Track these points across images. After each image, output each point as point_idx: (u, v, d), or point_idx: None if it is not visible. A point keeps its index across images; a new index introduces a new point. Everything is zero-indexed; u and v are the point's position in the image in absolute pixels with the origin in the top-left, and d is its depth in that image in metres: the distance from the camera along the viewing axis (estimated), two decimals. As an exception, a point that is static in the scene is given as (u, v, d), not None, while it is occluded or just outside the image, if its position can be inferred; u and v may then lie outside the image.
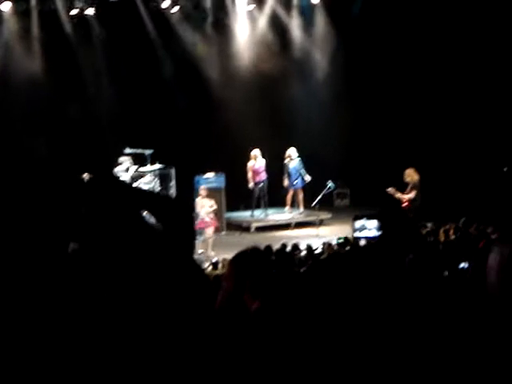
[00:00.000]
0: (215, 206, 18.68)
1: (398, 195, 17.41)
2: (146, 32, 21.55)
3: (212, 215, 18.49)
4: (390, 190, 17.52)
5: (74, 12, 21.27)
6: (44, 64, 20.58)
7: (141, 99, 21.35)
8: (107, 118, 21.13)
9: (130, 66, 21.31)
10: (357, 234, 13.03)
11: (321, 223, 20.19)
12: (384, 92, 22.19)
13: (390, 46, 21.73)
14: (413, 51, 21.43)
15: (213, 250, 17.82)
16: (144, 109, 21.28)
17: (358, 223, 13.68)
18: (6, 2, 20.24)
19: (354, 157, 22.64)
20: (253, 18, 23.09)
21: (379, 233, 6.16)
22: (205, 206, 18.36)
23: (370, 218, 13.07)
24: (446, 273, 7.95)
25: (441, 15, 20.80)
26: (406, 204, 17.32)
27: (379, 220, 5.99)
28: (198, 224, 18.20)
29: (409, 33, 21.24)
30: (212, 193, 20.22)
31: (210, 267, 13.13)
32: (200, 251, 17.45)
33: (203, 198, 18.47)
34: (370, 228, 12.64)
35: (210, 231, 18.38)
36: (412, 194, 17.43)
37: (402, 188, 17.52)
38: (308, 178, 20.81)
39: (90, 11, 21.40)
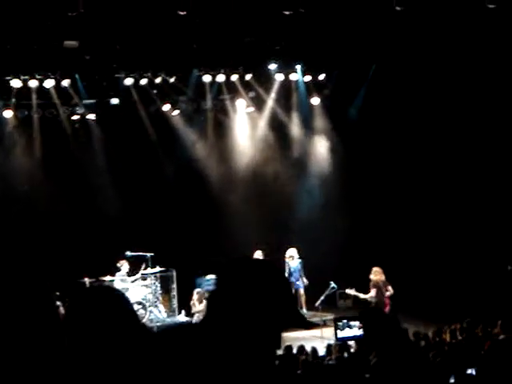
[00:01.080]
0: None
1: (358, 295, 18.02)
2: (147, 134, 21.72)
3: None
4: (349, 290, 18.29)
5: (75, 117, 21.49)
6: (45, 166, 20.71)
7: (141, 201, 21.42)
8: (108, 221, 21.14)
9: (131, 167, 21.47)
10: (340, 334, 12.86)
11: (324, 324, 19.94)
12: (383, 192, 22.26)
13: (388, 149, 21.91)
14: (409, 155, 21.63)
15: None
16: (144, 211, 21.32)
17: (341, 324, 13.55)
18: (7, 110, 20.47)
19: (355, 256, 22.52)
20: (253, 120, 23.33)
21: (361, 332, 6.09)
22: (198, 311, 18.24)
23: (351, 319, 12.94)
24: (452, 380, 7.83)
25: (436, 115, 21.02)
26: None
27: (360, 320, 5.94)
28: None
29: (405, 136, 21.46)
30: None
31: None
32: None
33: (198, 301, 18.30)
34: (352, 327, 12.51)
35: None
36: (372, 293, 17.83)
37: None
38: (305, 281, 20.78)
39: (91, 116, 21.63)
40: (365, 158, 22.41)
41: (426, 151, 21.56)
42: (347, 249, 22.08)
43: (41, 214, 20.50)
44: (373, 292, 17.88)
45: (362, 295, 18.01)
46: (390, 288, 18.14)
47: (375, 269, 18.32)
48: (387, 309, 18.12)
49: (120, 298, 2.96)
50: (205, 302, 18.43)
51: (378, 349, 5.90)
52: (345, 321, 12.75)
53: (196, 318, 18.24)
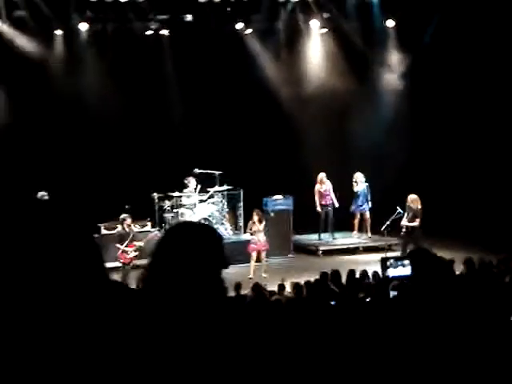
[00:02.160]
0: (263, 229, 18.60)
1: (408, 224, 18.31)
2: (218, 52, 21.60)
3: (265, 238, 18.49)
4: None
5: (148, 32, 21.53)
6: (117, 81, 20.80)
7: (211, 120, 21.49)
8: (177, 138, 21.30)
9: (202, 84, 21.43)
10: (392, 273, 12.74)
11: (389, 248, 19.95)
12: (451, 118, 21.98)
13: (460, 76, 21.48)
14: (481, 82, 21.20)
15: (265, 274, 17.83)
16: (214, 129, 21.40)
17: (390, 262, 13.35)
18: (82, 23, 20.62)
19: (423, 183, 22.38)
20: (326, 41, 23.05)
21: (411, 273, 6.10)
22: (258, 230, 18.35)
23: (398, 259, 12.80)
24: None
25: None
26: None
27: (411, 260, 5.92)
28: (250, 248, 18.28)
29: (478, 63, 21.01)
30: (280, 215, 20.27)
31: (276, 290, 13.04)
32: (251, 276, 17.41)
33: (256, 221, 18.40)
34: (405, 265, 12.32)
35: (263, 255, 18.41)
36: (417, 222, 18.26)
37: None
38: (370, 205, 20.78)
39: (165, 32, 21.64)
40: (435, 85, 22.04)
41: (493, 86, 21.08)
42: (415, 174, 21.93)
43: (111, 129, 20.72)
44: (416, 222, 18.28)
45: (405, 223, 18.36)
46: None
47: (415, 197, 18.58)
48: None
49: (215, 235, 3.05)
50: (264, 222, 18.58)
51: (427, 288, 5.92)
52: (392, 260, 12.65)
53: (255, 237, 18.35)
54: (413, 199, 18.57)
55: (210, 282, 2.86)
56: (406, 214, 18.46)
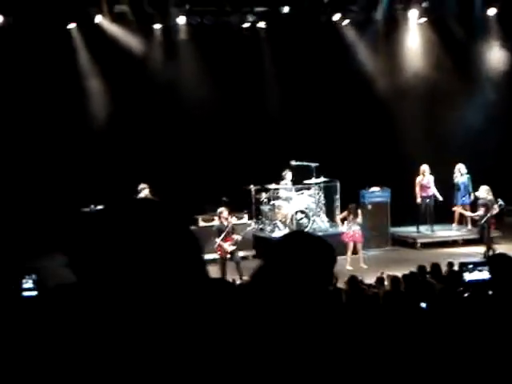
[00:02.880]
0: (360, 222, 18.49)
1: (465, 213, 19.34)
2: (316, 43, 21.50)
3: (360, 230, 18.39)
4: (455, 208, 19.65)
5: (245, 25, 21.62)
6: (214, 75, 20.95)
7: (308, 112, 21.43)
8: (274, 131, 21.33)
9: (299, 76, 21.40)
10: (469, 277, 12.40)
11: (490, 241, 19.54)
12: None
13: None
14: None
15: (365, 264, 17.75)
16: (311, 121, 21.34)
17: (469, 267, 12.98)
18: (181, 16, 20.84)
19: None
20: (425, 31, 22.69)
21: (489, 276, 5.92)
22: (353, 222, 18.26)
23: (478, 264, 12.43)
24: None
25: None
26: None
27: (489, 265, 5.78)
28: (344, 238, 18.23)
29: None
30: (377, 207, 20.12)
31: (375, 283, 12.93)
32: (348, 267, 17.36)
33: (352, 214, 18.32)
34: (482, 270, 11.94)
35: (359, 246, 18.31)
36: (480, 212, 18.28)
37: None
38: (473, 196, 20.29)
39: (262, 24, 21.71)
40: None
41: None
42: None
43: (209, 122, 20.89)
44: (481, 211, 18.27)
45: (468, 213, 19.22)
46: (495, 207, 18.39)
47: (484, 187, 18.54)
48: (493, 228, 18.91)
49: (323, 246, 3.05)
50: (360, 215, 18.46)
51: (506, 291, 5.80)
52: (471, 266, 12.34)
53: (351, 228, 18.27)
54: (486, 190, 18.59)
55: (315, 295, 2.86)
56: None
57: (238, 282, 14.97)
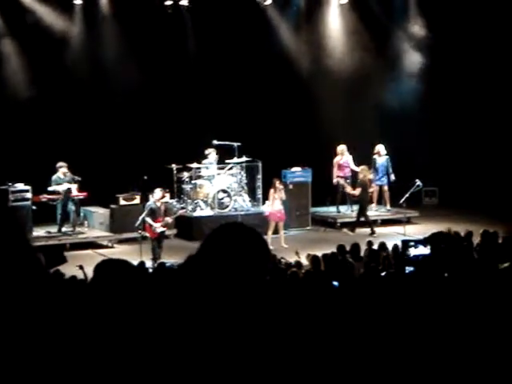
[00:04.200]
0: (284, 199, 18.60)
1: (347, 189, 20.05)
2: (238, 23, 21.44)
3: (282, 209, 18.47)
4: (342, 182, 20.25)
5: (168, 3, 21.43)
6: (136, 53, 20.73)
7: (230, 91, 21.39)
8: (196, 110, 21.25)
9: (221, 55, 21.33)
10: (414, 252, 12.68)
11: (408, 221, 19.92)
12: (474, 89, 21.86)
13: (483, 41, 21.37)
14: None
15: (286, 244, 17.86)
16: (233, 101, 21.32)
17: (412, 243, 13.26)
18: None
19: (442, 155, 22.33)
20: (345, 12, 22.84)
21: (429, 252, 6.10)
22: (276, 199, 18.34)
23: (418, 242, 12.70)
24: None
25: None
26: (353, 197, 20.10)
27: (430, 243, 5.93)
28: (267, 215, 18.31)
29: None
30: (298, 187, 20.25)
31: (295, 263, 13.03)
32: (285, 245, 17.50)
33: (277, 190, 18.38)
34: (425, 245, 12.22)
35: (280, 225, 18.40)
36: (357, 192, 19.56)
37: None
38: (393, 177, 20.64)
39: (184, 2, 21.56)
40: (457, 56, 21.90)
41: None
42: (435, 147, 21.89)
43: (131, 100, 20.66)
44: (357, 191, 19.55)
45: (348, 189, 20.01)
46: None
47: (362, 167, 19.91)
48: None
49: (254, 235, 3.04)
50: (281, 192, 18.52)
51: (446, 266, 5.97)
52: (412, 243, 12.59)
53: (275, 205, 18.34)
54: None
55: (249, 284, 2.89)
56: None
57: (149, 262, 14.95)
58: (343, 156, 20.67)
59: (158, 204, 16.56)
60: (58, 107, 20.08)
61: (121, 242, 18.30)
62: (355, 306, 5.63)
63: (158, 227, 16.26)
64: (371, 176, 20.49)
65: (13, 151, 19.02)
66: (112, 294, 2.88)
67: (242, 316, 2.81)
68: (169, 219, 16.63)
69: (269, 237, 17.88)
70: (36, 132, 19.58)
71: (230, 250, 2.89)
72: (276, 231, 18.35)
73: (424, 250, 11.60)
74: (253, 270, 2.88)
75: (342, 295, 7.24)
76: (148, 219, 16.30)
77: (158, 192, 16.65)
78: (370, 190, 20.09)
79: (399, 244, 12.93)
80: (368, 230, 19.09)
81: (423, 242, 11.82)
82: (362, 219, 19.61)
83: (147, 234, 16.34)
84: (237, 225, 3.06)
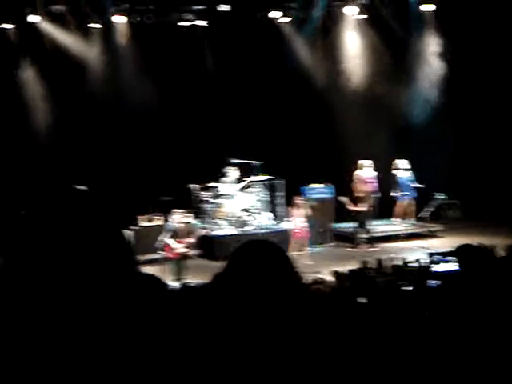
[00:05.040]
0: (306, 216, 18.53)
1: (349, 206, 19.58)
2: (256, 41, 21.46)
3: (305, 226, 18.41)
4: (343, 199, 19.66)
5: (185, 24, 21.50)
6: (154, 74, 20.78)
7: (250, 109, 21.38)
8: (215, 129, 21.26)
9: (239, 75, 21.33)
10: (436, 269, 12.54)
11: (432, 235, 19.78)
12: (494, 99, 21.73)
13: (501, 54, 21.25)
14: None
15: (311, 261, 17.76)
16: (252, 119, 21.30)
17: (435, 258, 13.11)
18: (121, 16, 20.65)
19: (465, 168, 22.18)
20: (363, 27, 22.80)
21: (458, 268, 6.03)
22: (298, 216, 18.30)
23: (445, 254, 12.55)
24: None
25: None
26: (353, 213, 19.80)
27: (457, 256, 5.87)
28: (293, 235, 18.26)
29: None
30: (321, 204, 20.15)
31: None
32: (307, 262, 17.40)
33: (297, 208, 18.35)
34: (449, 261, 12.07)
35: (305, 242, 18.33)
36: (364, 207, 19.61)
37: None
38: (419, 185, 20.52)
39: (201, 22, 21.62)
40: (476, 65, 21.77)
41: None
42: (458, 160, 21.73)
43: (150, 122, 20.71)
44: (365, 206, 19.63)
45: (351, 207, 19.66)
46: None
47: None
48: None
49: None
50: (303, 209, 18.47)
51: (475, 283, 5.86)
52: (439, 256, 12.44)
53: (293, 224, 18.27)
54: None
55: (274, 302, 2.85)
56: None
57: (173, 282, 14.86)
58: (362, 169, 20.58)
59: (177, 225, 16.47)
60: (77, 130, 20.16)
61: (143, 263, 18.28)
62: (382, 321, 5.55)
63: (180, 247, 16.19)
64: (393, 192, 20.56)
65: (33, 173, 19.09)
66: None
67: (270, 333, 2.78)
68: (191, 240, 16.57)
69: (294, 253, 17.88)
70: (56, 155, 19.67)
71: (255, 267, 2.88)
72: (301, 248, 18.26)
73: (447, 267, 11.47)
74: (279, 287, 2.86)
75: (369, 311, 7.15)
76: (169, 240, 16.25)
77: (176, 213, 16.60)
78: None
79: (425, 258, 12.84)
80: (396, 245, 19.12)
81: (450, 254, 11.70)
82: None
83: (168, 255, 16.29)
84: (261, 242, 3.04)
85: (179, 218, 16.56)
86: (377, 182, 20.60)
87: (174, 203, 17.93)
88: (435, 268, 12.04)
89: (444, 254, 11.71)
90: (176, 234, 16.31)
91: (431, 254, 11.96)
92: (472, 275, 5.78)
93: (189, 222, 18.15)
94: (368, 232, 19.69)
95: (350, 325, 4.83)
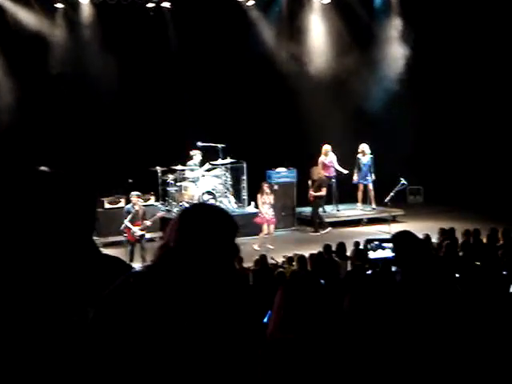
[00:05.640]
0: (272, 202, 18.58)
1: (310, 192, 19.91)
2: (221, 24, 21.40)
3: (272, 212, 18.46)
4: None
5: (150, 5, 21.40)
6: (118, 56, 20.66)
7: (213, 92, 21.37)
8: (180, 112, 21.22)
9: (204, 57, 21.29)
10: (373, 255, 12.69)
11: (393, 220, 19.96)
12: (457, 85, 21.98)
13: (465, 42, 21.48)
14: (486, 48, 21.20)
15: (272, 245, 17.82)
16: (216, 102, 21.30)
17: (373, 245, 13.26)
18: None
19: (426, 153, 22.40)
20: (328, 12, 22.85)
21: (393, 254, 6.18)
22: (266, 203, 18.34)
23: (383, 241, 12.69)
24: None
25: None
26: (312, 199, 19.97)
27: (393, 242, 6.01)
28: (257, 220, 18.29)
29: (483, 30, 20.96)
30: (284, 187, 20.25)
31: (285, 263, 13.05)
32: (256, 247, 17.47)
33: (265, 194, 18.39)
34: (385, 248, 12.22)
35: (271, 228, 18.40)
36: (323, 192, 19.91)
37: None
38: (373, 177, 20.76)
39: (166, 4, 21.54)
40: (438, 57, 21.99)
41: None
42: (418, 146, 21.93)
43: (113, 103, 20.62)
44: (323, 191, 20.01)
45: (311, 191, 19.92)
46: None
47: (316, 168, 20.34)
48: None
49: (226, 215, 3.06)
50: (272, 195, 18.57)
51: (408, 269, 5.99)
52: (377, 242, 12.59)
53: (264, 209, 18.35)
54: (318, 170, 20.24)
55: (222, 266, 2.89)
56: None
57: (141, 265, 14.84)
58: (328, 156, 20.72)
59: (136, 207, 16.42)
60: (40, 110, 20.02)
61: (106, 245, 18.23)
62: (341, 304, 5.63)
63: (137, 231, 16.16)
64: (355, 176, 20.79)
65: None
66: None
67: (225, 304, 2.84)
68: (147, 222, 16.49)
69: (260, 238, 17.97)
70: (20, 134, 19.51)
71: (201, 230, 2.90)
72: (268, 233, 18.37)
73: (384, 254, 11.64)
74: (224, 247, 2.89)
75: (329, 293, 7.24)
76: (127, 223, 16.24)
77: (133, 196, 16.55)
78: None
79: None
80: (358, 229, 19.31)
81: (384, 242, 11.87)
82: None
83: (128, 237, 16.27)
84: (201, 205, 3.10)
85: (136, 200, 16.51)
86: (337, 165, 20.76)
87: (138, 186, 17.89)
88: (372, 255, 12.20)
89: (382, 241, 11.88)
90: (134, 217, 16.27)
91: (369, 241, 12.10)
92: (405, 262, 5.91)
93: (147, 205, 18.12)
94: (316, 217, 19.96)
95: (312, 305, 4.89)
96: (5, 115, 19.74)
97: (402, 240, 6.12)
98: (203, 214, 3.00)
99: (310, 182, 20.06)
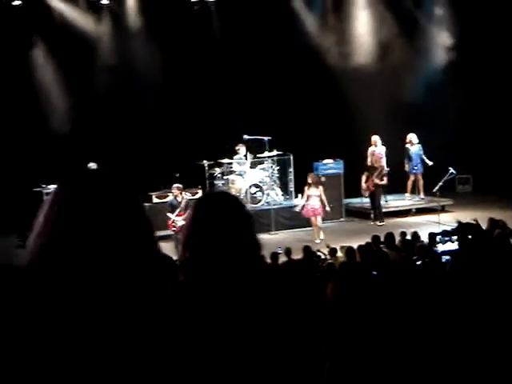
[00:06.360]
0: (322, 194, 18.49)
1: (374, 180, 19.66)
2: (265, 17, 21.37)
3: (319, 203, 18.37)
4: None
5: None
6: (165, 50, 20.80)
7: (259, 85, 21.35)
8: (227, 105, 21.24)
9: (250, 52, 21.29)
10: (442, 248, 12.50)
11: (442, 209, 19.77)
12: (507, 73, 21.67)
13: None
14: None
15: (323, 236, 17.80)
16: (263, 95, 21.28)
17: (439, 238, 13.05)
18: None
19: (475, 142, 22.12)
20: (372, 1, 22.68)
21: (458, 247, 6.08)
22: (312, 196, 18.29)
23: (447, 234, 12.49)
24: None
25: None
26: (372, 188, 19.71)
27: (458, 235, 5.92)
28: (305, 212, 18.25)
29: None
30: (331, 179, 20.17)
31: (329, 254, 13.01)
32: (318, 241, 17.45)
33: (312, 186, 18.34)
34: (451, 241, 12.02)
35: (319, 219, 18.33)
36: (385, 181, 19.81)
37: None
38: (430, 162, 20.46)
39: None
40: (484, 44, 21.70)
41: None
42: (467, 134, 21.69)
43: (160, 98, 20.76)
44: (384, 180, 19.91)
45: (377, 181, 19.69)
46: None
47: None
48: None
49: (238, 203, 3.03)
50: (321, 186, 18.53)
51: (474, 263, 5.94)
52: (440, 236, 12.41)
53: (310, 201, 18.30)
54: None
55: (242, 260, 2.85)
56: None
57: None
58: (377, 147, 20.56)
59: (179, 199, 16.65)
60: (88, 106, 20.24)
61: (158, 239, 18.32)
62: (392, 295, 5.62)
63: (179, 220, 16.28)
64: (406, 166, 20.66)
65: (44, 153, 19.19)
66: None
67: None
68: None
69: (315, 230, 17.95)
70: (67, 133, 19.77)
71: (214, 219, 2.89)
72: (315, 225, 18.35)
73: (453, 246, 11.50)
74: (241, 238, 2.87)
75: (380, 284, 7.21)
76: (169, 214, 16.48)
77: (174, 188, 16.81)
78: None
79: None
80: (406, 220, 19.24)
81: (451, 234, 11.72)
82: None
83: (172, 229, 16.44)
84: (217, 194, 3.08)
85: (177, 192, 16.73)
86: (385, 157, 20.61)
87: (185, 180, 17.99)
88: (441, 247, 12.10)
89: (446, 234, 11.75)
90: (175, 209, 16.50)
91: (433, 235, 11.98)
92: (470, 254, 5.88)
93: (189, 197, 18.19)
94: (380, 207, 19.79)
95: (363, 296, 4.88)
96: (50, 109, 20.06)
97: (466, 232, 6.07)
98: (216, 203, 2.99)
99: (365, 173, 19.89)
